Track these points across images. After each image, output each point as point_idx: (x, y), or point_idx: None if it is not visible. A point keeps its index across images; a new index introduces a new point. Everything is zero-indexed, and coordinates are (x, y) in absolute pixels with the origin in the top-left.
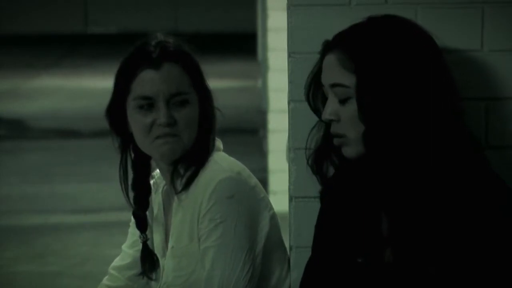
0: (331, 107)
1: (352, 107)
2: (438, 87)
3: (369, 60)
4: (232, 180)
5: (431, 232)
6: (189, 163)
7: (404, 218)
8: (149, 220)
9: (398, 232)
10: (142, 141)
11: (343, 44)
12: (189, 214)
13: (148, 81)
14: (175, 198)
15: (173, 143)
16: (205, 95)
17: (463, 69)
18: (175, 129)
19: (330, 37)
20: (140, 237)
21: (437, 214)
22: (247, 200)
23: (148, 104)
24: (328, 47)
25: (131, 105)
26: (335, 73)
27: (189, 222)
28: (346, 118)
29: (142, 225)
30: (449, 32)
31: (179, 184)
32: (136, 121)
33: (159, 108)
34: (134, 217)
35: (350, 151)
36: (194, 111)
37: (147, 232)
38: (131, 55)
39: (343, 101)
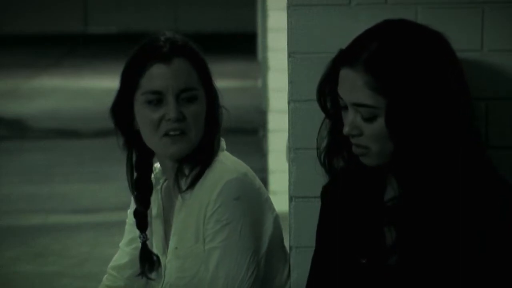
0: (353, 123)
1: (378, 125)
2: (461, 100)
3: (398, 81)
4: (239, 182)
5: (436, 235)
6: (194, 162)
7: (413, 225)
8: (148, 218)
9: (405, 238)
10: (150, 138)
11: (366, 63)
12: (194, 214)
13: (158, 76)
14: (179, 196)
15: (181, 142)
16: (212, 93)
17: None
18: (183, 125)
19: (330, 37)
20: (139, 237)
21: (443, 217)
22: (253, 201)
23: (157, 99)
24: (344, 59)
25: (139, 100)
26: (360, 93)
27: (195, 223)
28: (370, 133)
29: (143, 224)
30: (449, 32)
31: (183, 183)
32: (144, 116)
33: (168, 103)
34: (135, 216)
35: (371, 161)
36: (202, 108)
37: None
38: (140, 50)
39: (368, 119)
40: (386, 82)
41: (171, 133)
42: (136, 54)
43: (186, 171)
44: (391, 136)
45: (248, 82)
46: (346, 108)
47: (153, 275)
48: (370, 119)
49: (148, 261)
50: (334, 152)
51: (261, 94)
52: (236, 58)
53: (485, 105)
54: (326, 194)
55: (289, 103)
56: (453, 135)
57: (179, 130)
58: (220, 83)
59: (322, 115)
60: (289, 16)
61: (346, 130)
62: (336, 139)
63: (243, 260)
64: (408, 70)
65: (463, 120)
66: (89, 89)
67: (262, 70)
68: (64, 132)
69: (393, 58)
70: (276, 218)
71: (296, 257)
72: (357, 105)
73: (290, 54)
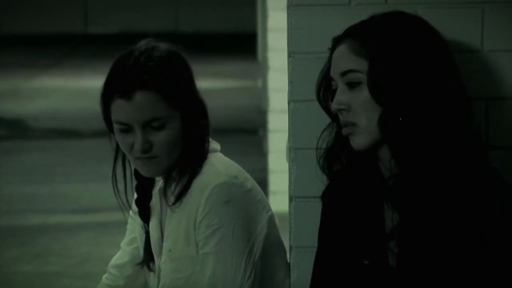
0: (340, 97)
1: (363, 93)
2: (446, 74)
3: (380, 44)
4: (228, 185)
5: (434, 229)
6: (183, 171)
7: (412, 204)
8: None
9: (405, 222)
10: (127, 156)
11: (354, 33)
12: (185, 218)
13: (121, 110)
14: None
15: (152, 164)
16: (190, 110)
17: (463, 69)
18: (152, 153)
19: (330, 37)
20: (142, 227)
21: (440, 208)
22: (244, 204)
23: (126, 128)
24: (337, 41)
25: (114, 124)
26: (346, 60)
27: (185, 227)
28: (356, 105)
29: (145, 214)
30: (449, 32)
31: (170, 194)
32: (118, 139)
33: (135, 132)
34: (137, 206)
35: (359, 140)
36: (173, 132)
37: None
38: (109, 76)
39: (353, 87)
40: (368, 45)
41: (142, 157)
42: (107, 77)
43: (173, 183)
44: (374, 98)
45: (248, 82)
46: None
47: (154, 266)
48: (355, 86)
49: (151, 251)
50: (334, 156)
51: (261, 94)
52: (236, 58)
53: (485, 105)
54: (327, 195)
55: (289, 103)
56: (435, 101)
57: (147, 157)
58: (220, 83)
59: (322, 115)
60: (289, 16)
61: (334, 105)
62: (338, 142)
63: (239, 262)
64: (389, 34)
65: (446, 88)
66: (89, 89)
67: (262, 70)
68: (64, 132)
69: (378, 25)
70: (271, 218)
71: (296, 257)
72: (343, 73)
73: (290, 54)
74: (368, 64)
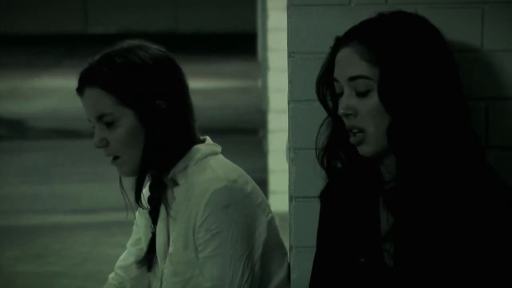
0: (348, 101)
1: (372, 100)
2: (451, 79)
3: (392, 51)
4: (227, 190)
5: (431, 230)
6: (160, 173)
7: (409, 215)
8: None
9: (401, 225)
10: None
11: (361, 36)
12: (184, 222)
13: (82, 106)
14: (173, 205)
15: (118, 165)
16: (147, 107)
17: (463, 69)
18: (109, 149)
19: (330, 37)
20: (150, 227)
21: (439, 211)
22: (243, 208)
23: (92, 125)
24: (341, 42)
25: None
26: (355, 66)
27: (184, 231)
28: (365, 111)
29: (155, 215)
30: (449, 32)
31: (172, 201)
32: None
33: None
34: (149, 204)
35: (368, 148)
36: (125, 129)
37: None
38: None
39: (363, 94)
40: (380, 52)
41: (110, 158)
42: None
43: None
44: (384, 106)
45: (248, 82)
46: (342, 94)
47: (155, 267)
48: (364, 93)
49: (155, 253)
50: (333, 152)
51: (261, 94)
52: (236, 58)
53: (485, 105)
54: (325, 195)
55: (289, 103)
56: (446, 109)
57: (109, 155)
58: (220, 83)
59: (322, 115)
60: (289, 16)
61: (341, 109)
62: (335, 138)
63: (237, 267)
64: (401, 41)
65: (454, 97)
66: None
67: (262, 70)
68: (64, 132)
69: (387, 30)
70: (271, 221)
71: (296, 257)
72: (352, 78)
73: (290, 54)
74: (380, 73)
